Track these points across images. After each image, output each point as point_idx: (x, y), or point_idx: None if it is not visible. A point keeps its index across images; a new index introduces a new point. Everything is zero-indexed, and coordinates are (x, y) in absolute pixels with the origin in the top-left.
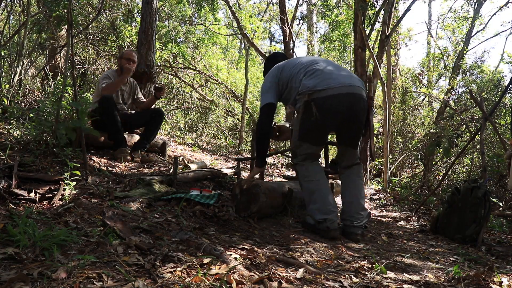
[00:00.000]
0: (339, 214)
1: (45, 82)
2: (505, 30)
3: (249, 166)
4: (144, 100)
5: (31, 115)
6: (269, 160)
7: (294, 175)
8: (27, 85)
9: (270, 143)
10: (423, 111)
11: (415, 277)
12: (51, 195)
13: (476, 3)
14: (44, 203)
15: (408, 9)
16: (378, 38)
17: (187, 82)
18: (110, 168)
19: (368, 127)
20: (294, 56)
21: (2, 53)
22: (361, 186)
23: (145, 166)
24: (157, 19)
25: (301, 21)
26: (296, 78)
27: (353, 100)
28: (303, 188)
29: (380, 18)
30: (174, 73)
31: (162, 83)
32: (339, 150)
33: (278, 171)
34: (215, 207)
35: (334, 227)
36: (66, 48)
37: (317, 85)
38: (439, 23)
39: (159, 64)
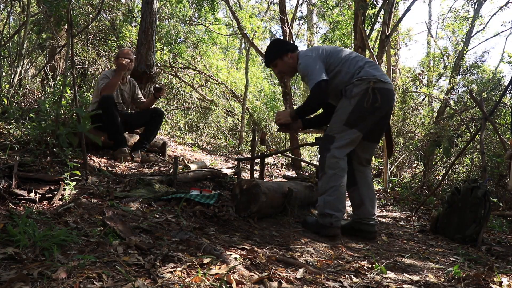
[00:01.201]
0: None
1: (45, 82)
2: (505, 30)
3: (249, 166)
4: (144, 100)
5: (31, 115)
6: (269, 160)
7: (294, 175)
8: (27, 85)
9: (270, 144)
10: (423, 111)
11: (415, 277)
12: (51, 195)
13: (476, 3)
14: (44, 203)
15: (408, 9)
16: (378, 38)
17: (187, 82)
18: (110, 168)
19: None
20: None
21: (2, 53)
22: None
23: (145, 166)
24: (157, 19)
25: (301, 21)
26: (350, 63)
27: (394, 99)
28: (325, 177)
29: (380, 18)
30: (174, 73)
31: (161, 83)
32: (363, 145)
33: (278, 171)
34: (215, 207)
35: (337, 225)
36: (66, 48)
37: (382, 77)
38: (439, 23)
39: (159, 64)
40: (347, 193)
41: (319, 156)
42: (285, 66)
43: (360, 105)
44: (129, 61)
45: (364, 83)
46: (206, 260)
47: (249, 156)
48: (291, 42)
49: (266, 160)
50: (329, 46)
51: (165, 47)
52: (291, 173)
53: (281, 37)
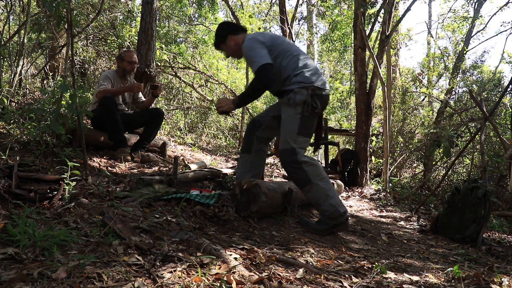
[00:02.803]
0: None
1: (45, 82)
2: (505, 30)
3: None
4: (144, 99)
5: (31, 115)
6: (269, 160)
7: None
8: (27, 85)
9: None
10: (423, 111)
11: (415, 277)
12: (51, 195)
13: (476, 3)
14: (44, 203)
15: (408, 9)
16: (378, 38)
17: (187, 82)
18: (110, 168)
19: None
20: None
21: (2, 53)
22: None
23: (145, 166)
24: (157, 19)
25: (301, 21)
26: (291, 58)
27: (328, 101)
28: (318, 187)
29: (380, 18)
30: (174, 73)
31: (158, 81)
32: (273, 129)
33: (278, 171)
34: (215, 207)
35: (347, 215)
36: (66, 48)
37: (319, 83)
38: (439, 23)
39: (159, 64)
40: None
41: (293, 173)
42: (229, 49)
43: (305, 114)
44: (142, 85)
45: (304, 91)
46: (206, 260)
47: None
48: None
49: (266, 160)
50: (277, 35)
51: (164, 46)
52: None
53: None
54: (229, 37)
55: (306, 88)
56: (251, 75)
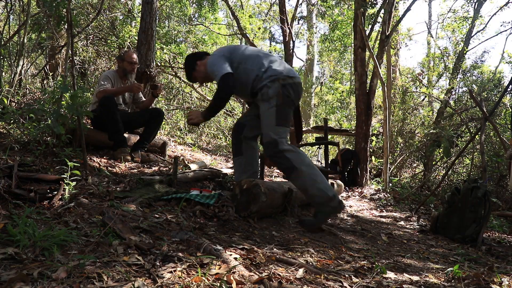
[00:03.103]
0: None
1: (45, 82)
2: (505, 30)
3: None
4: (144, 99)
5: (31, 115)
6: None
7: None
8: (27, 85)
9: None
10: (423, 111)
11: (415, 277)
12: (51, 195)
13: (476, 3)
14: (44, 203)
15: (408, 9)
16: (378, 38)
17: (187, 82)
18: (110, 168)
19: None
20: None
21: (2, 53)
22: None
23: (145, 166)
24: (157, 19)
25: (301, 21)
26: (253, 60)
27: (302, 90)
28: (304, 173)
29: (380, 18)
30: (174, 73)
31: (158, 81)
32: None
33: (278, 171)
34: (215, 207)
35: (339, 198)
36: (66, 48)
37: (289, 72)
38: (439, 23)
39: (159, 64)
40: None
41: (279, 163)
42: (200, 74)
43: (280, 105)
44: (142, 85)
45: (276, 83)
46: (206, 260)
47: None
48: (291, 42)
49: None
50: (235, 45)
51: (164, 46)
52: None
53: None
54: (198, 63)
55: (277, 80)
56: None
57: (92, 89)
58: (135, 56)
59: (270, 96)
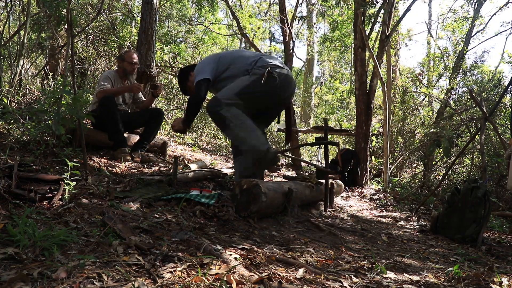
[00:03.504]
0: None
1: (45, 82)
2: (505, 30)
3: None
4: (144, 99)
5: (31, 115)
6: None
7: (294, 175)
8: (27, 85)
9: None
10: (423, 111)
11: (415, 277)
12: (51, 195)
13: (476, 3)
14: (44, 203)
15: (408, 9)
16: (378, 38)
17: None
18: (110, 168)
19: (290, 114)
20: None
21: (2, 53)
22: None
23: (145, 166)
24: (157, 19)
25: (301, 21)
26: (243, 60)
27: (293, 88)
28: (235, 129)
29: (380, 18)
30: (174, 73)
31: (158, 81)
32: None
33: (278, 171)
34: (215, 207)
35: (272, 150)
36: (66, 48)
37: (278, 63)
38: (439, 23)
39: (159, 64)
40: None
41: (213, 117)
42: (193, 84)
43: (257, 82)
44: (142, 85)
45: (263, 68)
46: (206, 260)
47: None
48: (291, 42)
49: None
50: (226, 51)
51: (164, 46)
52: (291, 173)
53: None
54: (191, 74)
55: (265, 67)
56: None
57: (92, 89)
58: (135, 56)
59: (254, 73)
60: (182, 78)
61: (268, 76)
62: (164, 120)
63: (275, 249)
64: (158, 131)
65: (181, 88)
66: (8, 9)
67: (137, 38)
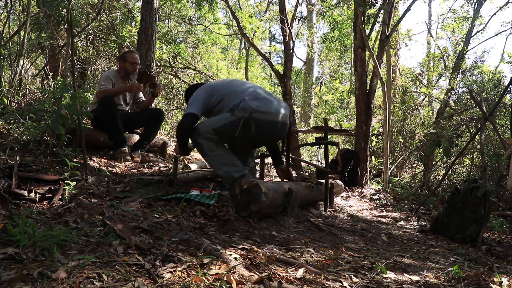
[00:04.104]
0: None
1: (45, 82)
2: (505, 30)
3: None
4: (144, 99)
5: (31, 114)
6: (269, 160)
7: (294, 175)
8: (27, 85)
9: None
10: (423, 111)
11: (415, 277)
12: (51, 195)
13: (476, 3)
14: (44, 203)
15: (408, 9)
16: (378, 38)
17: (187, 82)
18: (110, 168)
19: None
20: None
21: (2, 53)
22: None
23: (145, 166)
24: (157, 19)
25: (300, 21)
26: (232, 96)
27: (283, 128)
28: (211, 158)
29: (380, 18)
30: (174, 73)
31: (157, 80)
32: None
33: None
34: (215, 207)
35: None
36: (66, 48)
37: (260, 107)
38: (439, 23)
39: (158, 63)
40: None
41: (193, 144)
42: None
43: (234, 124)
44: (142, 85)
45: (243, 112)
46: (206, 260)
47: None
48: (291, 42)
49: (266, 160)
50: (225, 80)
51: (163, 46)
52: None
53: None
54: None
55: (244, 110)
56: (250, 75)
57: (92, 89)
58: (137, 56)
59: (235, 114)
60: (188, 96)
61: (244, 124)
62: (164, 120)
63: (275, 249)
64: (158, 131)
65: (187, 103)
66: (8, 9)
67: (137, 38)
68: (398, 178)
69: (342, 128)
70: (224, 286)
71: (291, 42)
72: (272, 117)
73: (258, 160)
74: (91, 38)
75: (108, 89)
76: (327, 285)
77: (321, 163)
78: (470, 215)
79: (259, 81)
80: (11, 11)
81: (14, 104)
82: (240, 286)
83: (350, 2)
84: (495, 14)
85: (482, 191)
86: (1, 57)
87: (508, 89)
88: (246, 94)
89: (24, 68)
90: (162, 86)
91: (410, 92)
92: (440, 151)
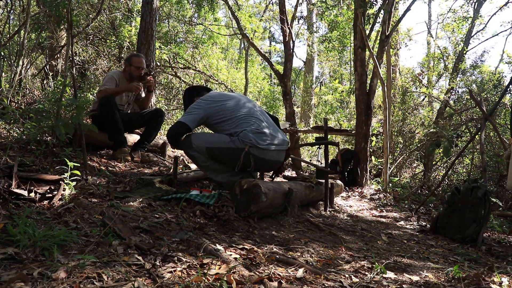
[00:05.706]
0: None
1: (45, 82)
2: (505, 30)
3: None
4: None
5: (31, 115)
6: None
7: (294, 175)
8: (27, 85)
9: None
10: (423, 111)
11: (415, 277)
12: (51, 195)
13: (476, 3)
14: (44, 203)
15: (408, 9)
16: (378, 38)
17: (187, 82)
18: (110, 168)
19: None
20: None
21: (2, 53)
22: None
23: (145, 166)
24: (157, 19)
25: (300, 21)
26: (233, 122)
27: (279, 158)
28: (205, 168)
29: (380, 18)
30: (174, 73)
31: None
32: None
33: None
34: (215, 207)
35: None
36: (66, 48)
37: (260, 142)
38: (439, 23)
39: (158, 63)
40: None
41: (185, 154)
42: None
43: (230, 151)
44: (141, 85)
45: (242, 144)
46: (206, 260)
47: None
48: (291, 42)
49: None
50: (232, 99)
51: (163, 46)
52: (291, 173)
53: (281, 37)
54: (195, 99)
55: (244, 142)
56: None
57: (92, 89)
58: (143, 61)
59: (233, 141)
60: (186, 99)
61: (243, 158)
62: (164, 120)
63: (275, 249)
64: (159, 132)
65: (184, 105)
66: (8, 9)
67: (137, 38)
68: (398, 178)
69: (342, 128)
70: (224, 286)
71: (291, 42)
72: (270, 156)
73: None
74: (91, 38)
75: (108, 89)
76: (327, 285)
77: (321, 163)
78: (470, 215)
79: (259, 81)
80: (11, 11)
81: (14, 104)
82: (240, 286)
83: (350, 2)
84: (495, 14)
85: (482, 191)
86: (1, 57)
87: (508, 89)
88: (248, 125)
89: (24, 68)
90: (155, 77)
91: (410, 92)
92: (440, 151)
